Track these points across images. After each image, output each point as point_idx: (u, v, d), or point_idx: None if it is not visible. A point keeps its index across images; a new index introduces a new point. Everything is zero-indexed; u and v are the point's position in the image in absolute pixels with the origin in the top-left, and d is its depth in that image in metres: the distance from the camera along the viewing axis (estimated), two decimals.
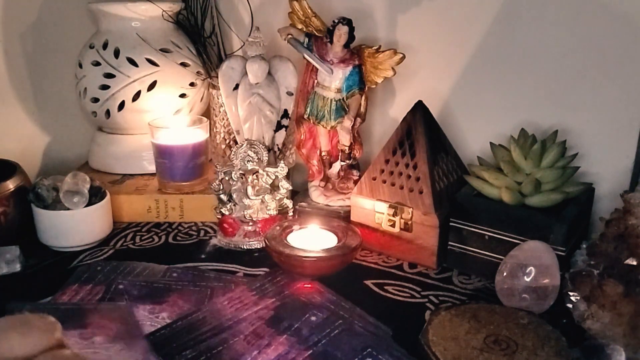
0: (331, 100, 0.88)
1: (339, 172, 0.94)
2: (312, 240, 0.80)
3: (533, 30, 0.83)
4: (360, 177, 0.88)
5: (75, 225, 0.84)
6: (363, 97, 0.88)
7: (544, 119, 0.85)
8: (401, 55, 0.85)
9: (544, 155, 0.77)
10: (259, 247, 0.86)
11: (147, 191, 0.96)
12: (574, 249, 0.72)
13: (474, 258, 0.78)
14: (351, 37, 0.85)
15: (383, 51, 0.85)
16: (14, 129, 1.06)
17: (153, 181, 0.99)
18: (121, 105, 0.99)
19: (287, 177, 0.88)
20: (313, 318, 0.65)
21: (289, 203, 0.89)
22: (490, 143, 0.82)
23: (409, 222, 0.81)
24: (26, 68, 1.05)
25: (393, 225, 0.82)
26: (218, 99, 0.96)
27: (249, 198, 0.86)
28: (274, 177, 0.87)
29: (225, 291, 0.72)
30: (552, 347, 0.61)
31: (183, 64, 1.00)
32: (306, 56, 0.87)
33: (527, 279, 0.68)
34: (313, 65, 0.87)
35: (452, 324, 0.64)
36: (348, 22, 0.84)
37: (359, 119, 0.89)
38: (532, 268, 0.68)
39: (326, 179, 0.94)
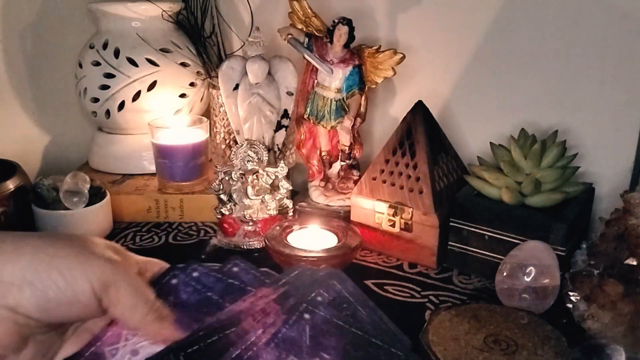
0: (331, 100, 0.88)
1: (339, 172, 0.93)
2: (312, 240, 0.80)
3: (533, 30, 0.83)
4: (360, 177, 0.88)
5: (75, 225, 0.84)
6: (363, 97, 0.88)
7: (544, 119, 0.85)
8: (401, 55, 0.85)
9: (544, 155, 0.77)
10: (259, 247, 0.86)
11: (147, 191, 0.95)
12: (574, 249, 0.71)
13: (474, 258, 0.78)
14: (351, 37, 0.85)
15: (383, 51, 0.85)
16: (14, 129, 1.06)
17: (153, 181, 0.99)
18: (121, 105, 0.99)
19: (287, 177, 0.88)
20: (319, 298, 0.64)
21: (289, 203, 0.89)
22: (490, 143, 0.82)
23: (409, 222, 0.81)
24: (26, 68, 1.05)
25: (393, 225, 0.82)
26: (218, 99, 0.96)
27: (249, 198, 0.86)
28: (274, 177, 0.87)
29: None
30: (552, 347, 0.61)
31: (183, 64, 1.00)
32: (306, 56, 0.87)
33: (527, 279, 0.68)
34: (313, 65, 0.87)
35: (452, 324, 0.64)
36: (348, 22, 0.84)
37: (359, 119, 0.89)
38: (532, 268, 0.68)
39: (326, 179, 0.94)
